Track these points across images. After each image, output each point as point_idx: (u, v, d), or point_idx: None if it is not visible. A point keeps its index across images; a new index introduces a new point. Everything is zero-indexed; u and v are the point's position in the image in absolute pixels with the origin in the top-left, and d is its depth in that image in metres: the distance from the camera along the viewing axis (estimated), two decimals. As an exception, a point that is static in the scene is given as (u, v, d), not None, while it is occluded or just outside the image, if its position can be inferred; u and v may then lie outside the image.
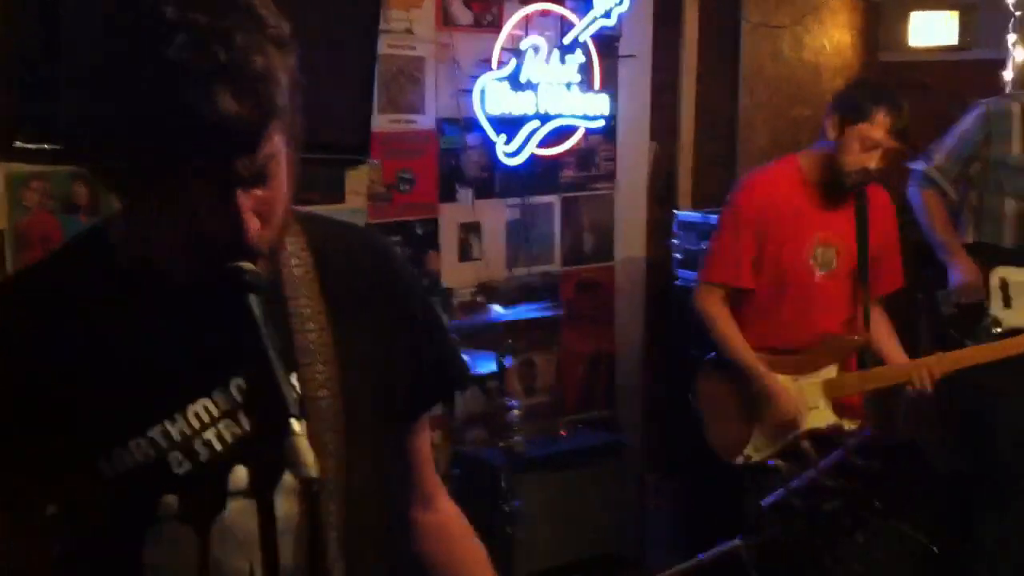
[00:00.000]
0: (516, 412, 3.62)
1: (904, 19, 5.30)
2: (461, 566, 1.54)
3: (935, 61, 5.17)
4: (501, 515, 3.61)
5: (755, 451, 3.25)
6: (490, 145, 4.18)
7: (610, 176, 4.71)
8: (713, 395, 3.35)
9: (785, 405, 3.19)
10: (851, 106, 3.18)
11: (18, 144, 3.11)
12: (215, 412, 1.25)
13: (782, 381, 3.23)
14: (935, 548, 2.99)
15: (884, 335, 3.38)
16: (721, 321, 3.30)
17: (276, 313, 1.25)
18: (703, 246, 4.48)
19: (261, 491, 1.26)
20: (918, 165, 3.90)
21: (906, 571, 3.23)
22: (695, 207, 4.82)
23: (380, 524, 1.40)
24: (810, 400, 3.24)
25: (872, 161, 3.14)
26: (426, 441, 1.53)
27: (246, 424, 1.26)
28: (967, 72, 4.93)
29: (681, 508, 4.62)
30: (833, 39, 5.47)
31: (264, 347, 1.16)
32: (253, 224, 1.16)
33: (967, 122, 3.89)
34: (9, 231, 3.21)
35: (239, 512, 1.25)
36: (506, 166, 4.24)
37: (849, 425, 3.23)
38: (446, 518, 1.55)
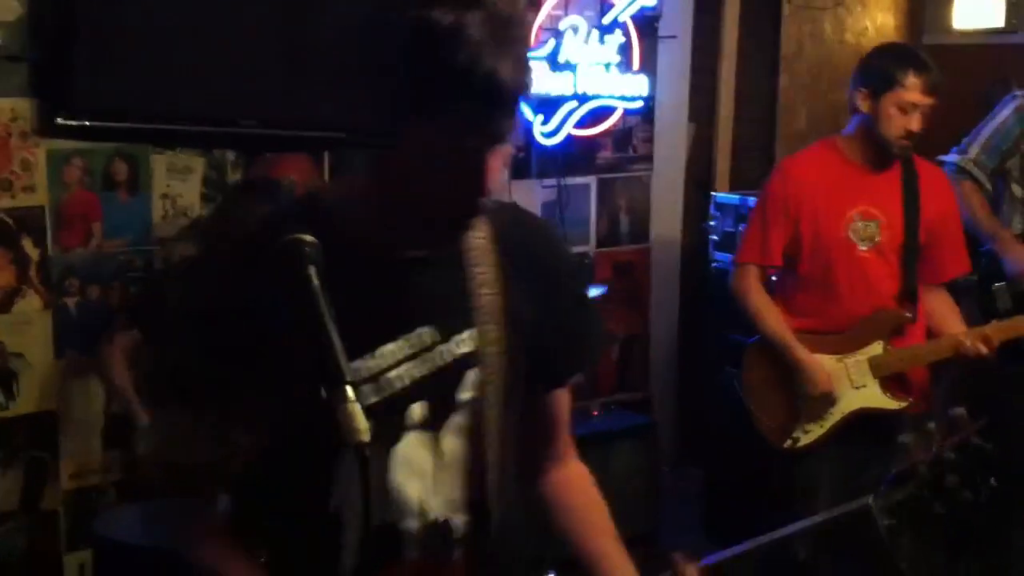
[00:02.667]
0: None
1: (949, 1, 5.23)
2: (583, 511, 1.68)
3: (980, 44, 5.10)
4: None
5: (804, 434, 3.22)
6: (527, 125, 4.17)
7: (647, 158, 4.68)
8: (759, 380, 3.33)
9: (816, 377, 3.17)
10: (879, 75, 3.14)
11: (60, 121, 3.14)
12: (401, 355, 1.41)
13: (825, 360, 3.20)
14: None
15: (943, 315, 3.29)
16: (754, 299, 3.29)
17: (459, 277, 1.45)
18: (740, 229, 4.47)
19: (434, 427, 1.44)
20: (951, 158, 3.77)
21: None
22: (733, 190, 4.79)
23: (518, 469, 1.57)
24: (856, 379, 3.21)
25: (914, 123, 3.11)
26: (564, 406, 1.66)
27: (426, 367, 1.42)
28: (1013, 55, 4.85)
29: (704, 491, 4.61)
30: (876, 21, 5.40)
31: (324, 317, 1.23)
32: (492, 182, 1.34)
33: (1003, 115, 3.77)
34: (49, 207, 3.25)
35: (415, 443, 1.43)
36: (543, 146, 4.22)
37: (895, 404, 3.19)
38: (574, 475, 1.70)
